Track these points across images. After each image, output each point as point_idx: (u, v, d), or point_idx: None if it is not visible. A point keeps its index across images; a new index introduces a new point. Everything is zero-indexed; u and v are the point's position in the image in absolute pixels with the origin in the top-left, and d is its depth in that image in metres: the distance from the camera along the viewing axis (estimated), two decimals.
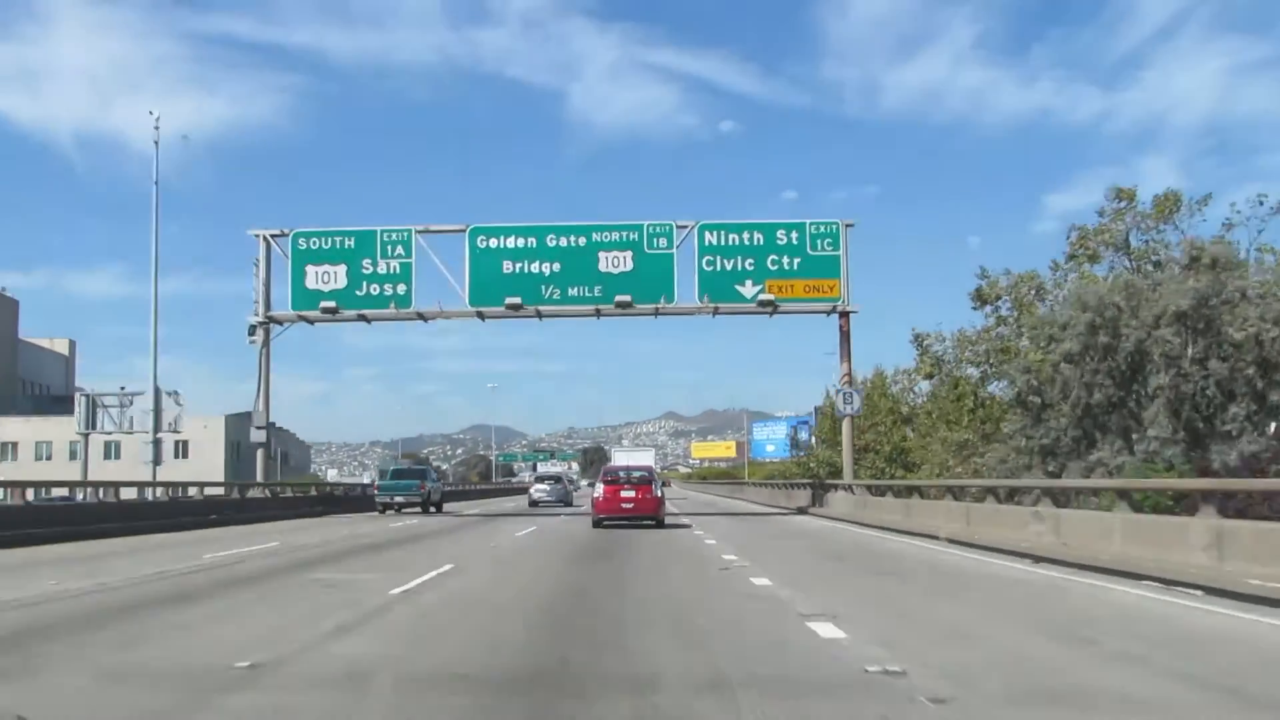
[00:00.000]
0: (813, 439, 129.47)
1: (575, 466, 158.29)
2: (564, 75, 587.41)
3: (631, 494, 23.86)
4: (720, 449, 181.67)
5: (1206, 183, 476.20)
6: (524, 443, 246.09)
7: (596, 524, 23.51)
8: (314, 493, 40.38)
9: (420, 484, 34.69)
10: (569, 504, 42.74)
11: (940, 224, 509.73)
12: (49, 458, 66.84)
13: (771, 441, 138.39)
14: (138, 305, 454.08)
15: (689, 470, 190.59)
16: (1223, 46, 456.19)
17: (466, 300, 30.91)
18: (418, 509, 34.38)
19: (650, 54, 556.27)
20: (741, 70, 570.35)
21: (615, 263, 30.76)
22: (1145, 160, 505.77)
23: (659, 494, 24.42)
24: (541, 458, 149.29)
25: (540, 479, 49.63)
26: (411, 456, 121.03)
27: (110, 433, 33.90)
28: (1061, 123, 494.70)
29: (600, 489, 24.73)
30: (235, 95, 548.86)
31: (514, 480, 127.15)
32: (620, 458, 64.27)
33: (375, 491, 35.95)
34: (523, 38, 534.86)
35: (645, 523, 23.38)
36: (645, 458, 63.87)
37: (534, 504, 42.63)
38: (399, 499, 34.10)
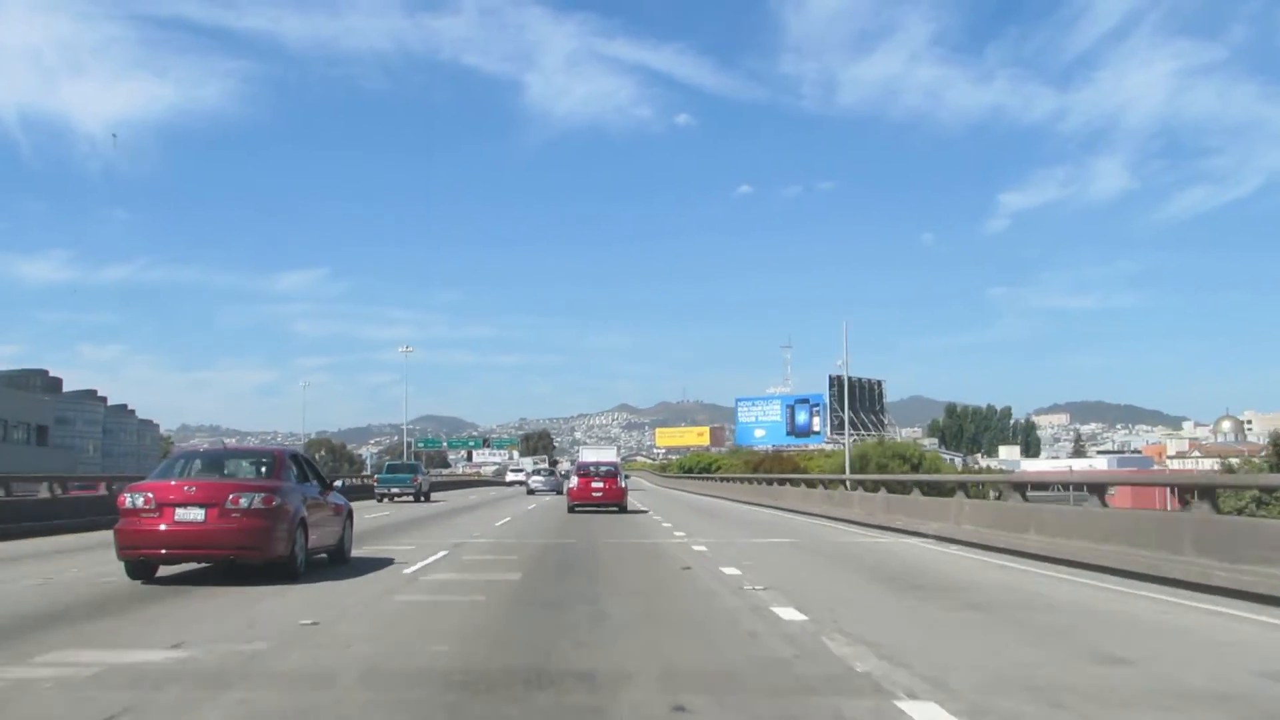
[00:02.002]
0: (821, 422, 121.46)
1: (516, 455, 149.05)
2: (521, 65, 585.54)
3: (600, 485, 27.86)
4: (690, 435, 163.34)
5: (1155, 185, 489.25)
6: (475, 432, 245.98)
7: (571, 509, 27.17)
8: None
9: (414, 477, 39.96)
10: (560, 492, 47.40)
11: (894, 220, 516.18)
12: None
13: (762, 425, 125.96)
14: (82, 291, 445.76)
15: (652, 461, 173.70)
16: (1173, 49, 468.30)
17: None
18: (410, 498, 38.92)
19: (608, 45, 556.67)
20: (698, 64, 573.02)
21: None
22: (1097, 161, 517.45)
23: (623, 485, 28.83)
24: (473, 444, 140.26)
25: (536, 472, 63.28)
26: (324, 446, 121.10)
27: None
28: (1015, 121, 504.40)
29: (574, 480, 28.87)
30: (185, 79, 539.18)
31: (444, 472, 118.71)
32: (588, 455, 70.12)
33: (375, 483, 41.43)
34: (479, 26, 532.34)
35: (610, 508, 27.18)
36: (610, 454, 70.95)
37: (531, 492, 52.07)
38: (394, 490, 38.94)
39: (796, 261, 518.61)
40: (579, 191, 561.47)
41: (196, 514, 9.76)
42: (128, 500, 9.91)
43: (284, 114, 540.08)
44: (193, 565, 10.70)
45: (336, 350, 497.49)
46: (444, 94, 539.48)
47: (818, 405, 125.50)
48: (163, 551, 9.99)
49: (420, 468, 45.85)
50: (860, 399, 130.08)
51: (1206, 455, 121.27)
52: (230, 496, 9.80)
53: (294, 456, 11.34)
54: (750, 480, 44.65)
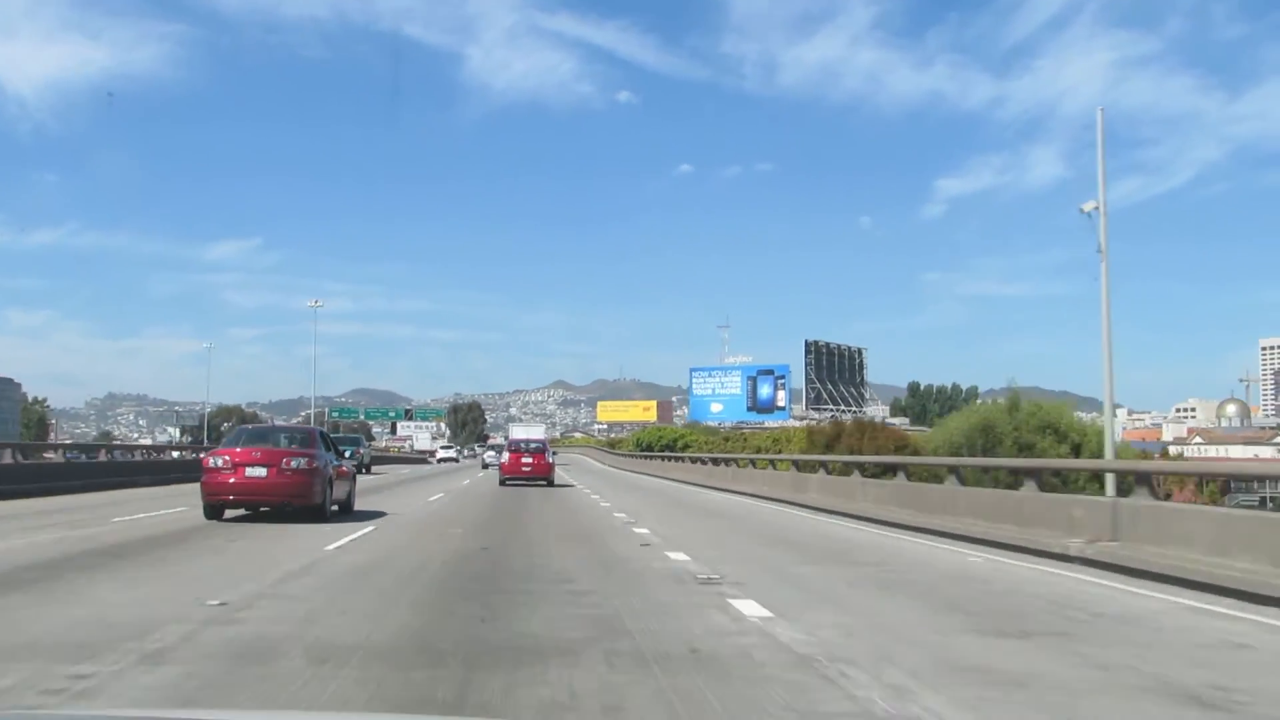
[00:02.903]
0: (786, 396, 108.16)
1: (443, 426, 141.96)
2: (462, 37, 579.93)
3: (530, 460, 30.73)
4: (635, 410, 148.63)
5: (1090, 174, 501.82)
6: (407, 407, 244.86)
7: (502, 483, 29.94)
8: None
9: (356, 449, 42.10)
10: None
11: (832, 203, 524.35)
12: None
13: (720, 398, 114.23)
14: (9, 256, 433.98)
15: (593, 437, 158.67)
16: (1111, 40, 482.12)
17: None
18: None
19: (549, 20, 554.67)
20: (641, 41, 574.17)
21: None
22: (1033, 149, 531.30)
23: (551, 461, 31.58)
24: (395, 415, 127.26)
25: (491, 448, 65.52)
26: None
27: None
28: (954, 107, 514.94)
29: (506, 456, 31.86)
30: (118, 42, 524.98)
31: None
32: (519, 431, 74.29)
33: None
34: None
35: (539, 482, 30.43)
36: (538, 432, 75.69)
37: (485, 466, 52.64)
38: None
39: (735, 242, 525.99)
40: (518, 167, 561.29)
41: (260, 471, 14.17)
42: (211, 461, 14.29)
43: (220, 80, 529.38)
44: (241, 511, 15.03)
45: (269, 321, 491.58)
46: (383, 65, 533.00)
47: (783, 378, 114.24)
48: (231, 498, 14.32)
49: (362, 440, 48.54)
50: (838, 369, 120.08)
51: (1212, 441, 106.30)
52: (284, 460, 14.24)
53: (321, 434, 15.85)
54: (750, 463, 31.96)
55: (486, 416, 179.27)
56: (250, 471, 14.14)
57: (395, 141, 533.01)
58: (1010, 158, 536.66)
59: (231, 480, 14.15)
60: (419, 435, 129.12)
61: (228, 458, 14.27)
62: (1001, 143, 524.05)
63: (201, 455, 17.09)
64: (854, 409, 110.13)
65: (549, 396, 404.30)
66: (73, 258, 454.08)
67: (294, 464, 14.24)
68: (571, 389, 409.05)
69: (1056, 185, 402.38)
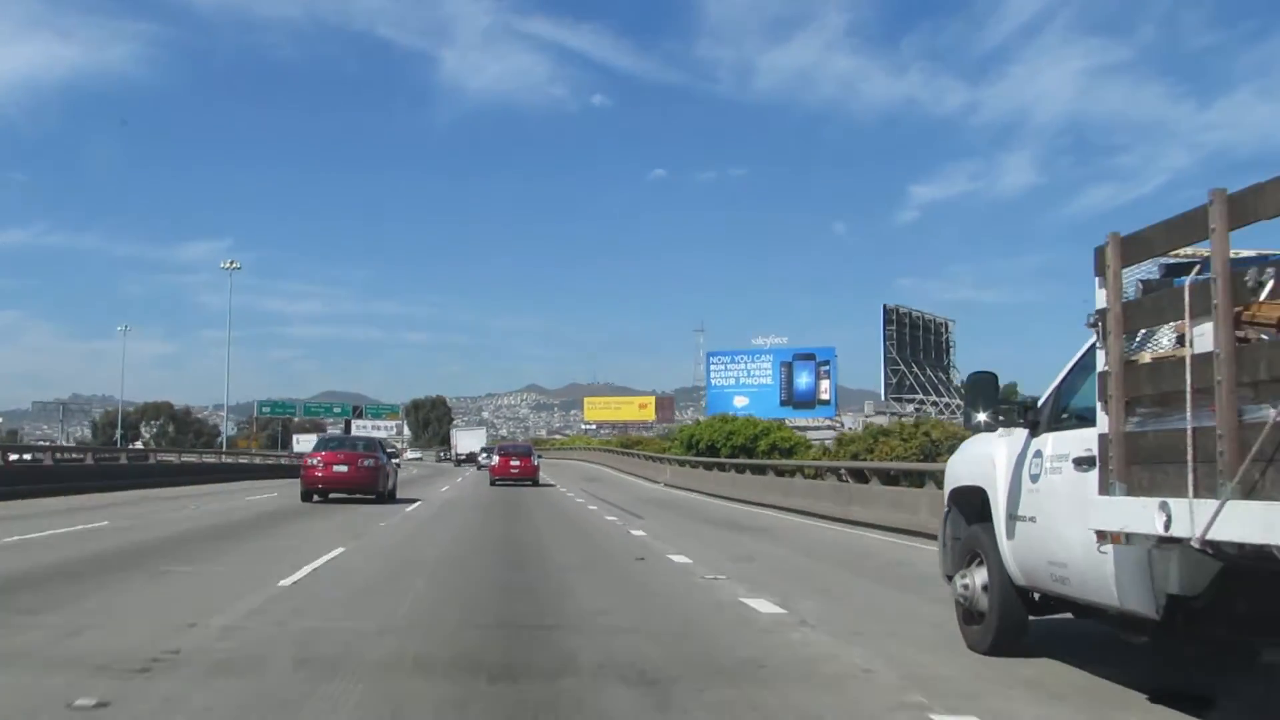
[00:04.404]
0: (830, 387, 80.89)
1: (404, 426, 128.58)
2: (436, 39, 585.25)
3: (517, 463, 36.58)
4: (629, 409, 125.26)
5: (1062, 181, 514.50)
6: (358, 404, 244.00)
7: (493, 483, 35.21)
8: None
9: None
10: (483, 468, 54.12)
11: (807, 208, 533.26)
12: None
13: (744, 390, 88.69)
14: None
15: (585, 436, 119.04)
16: (1083, 48, 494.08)
17: None
18: None
19: (524, 22, 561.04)
20: (616, 45, 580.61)
21: None
22: (1007, 156, 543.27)
23: (536, 463, 37.30)
24: (340, 411, 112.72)
25: (485, 450, 65.28)
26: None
27: None
28: (928, 114, 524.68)
29: (496, 459, 38.30)
30: (90, 40, 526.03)
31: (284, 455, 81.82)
32: (461, 436, 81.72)
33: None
34: None
35: (525, 482, 35.77)
36: (480, 437, 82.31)
37: (477, 467, 58.06)
38: None
39: (709, 246, 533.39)
40: (490, 169, 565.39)
41: (343, 468, 21.57)
42: (309, 461, 21.67)
43: (192, 80, 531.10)
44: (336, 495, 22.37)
45: (239, 323, 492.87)
46: (357, 66, 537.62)
47: (827, 363, 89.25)
48: (320, 486, 21.63)
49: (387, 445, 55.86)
50: (923, 347, 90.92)
51: None
52: (360, 460, 21.63)
53: (380, 442, 23.30)
54: None
55: (454, 417, 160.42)
56: (336, 468, 21.53)
57: (368, 143, 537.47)
58: (983, 164, 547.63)
59: (320, 474, 21.50)
60: (375, 436, 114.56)
61: (320, 459, 21.65)
62: (974, 149, 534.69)
63: (302, 457, 24.62)
64: (943, 398, 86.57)
65: (521, 400, 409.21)
66: (42, 257, 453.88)
67: (366, 463, 21.66)
68: (544, 392, 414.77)
69: (1030, 192, 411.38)
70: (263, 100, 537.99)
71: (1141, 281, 4.92)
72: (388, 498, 22.56)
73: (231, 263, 68.12)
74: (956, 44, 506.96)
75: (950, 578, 6.44)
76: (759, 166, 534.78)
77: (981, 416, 6.04)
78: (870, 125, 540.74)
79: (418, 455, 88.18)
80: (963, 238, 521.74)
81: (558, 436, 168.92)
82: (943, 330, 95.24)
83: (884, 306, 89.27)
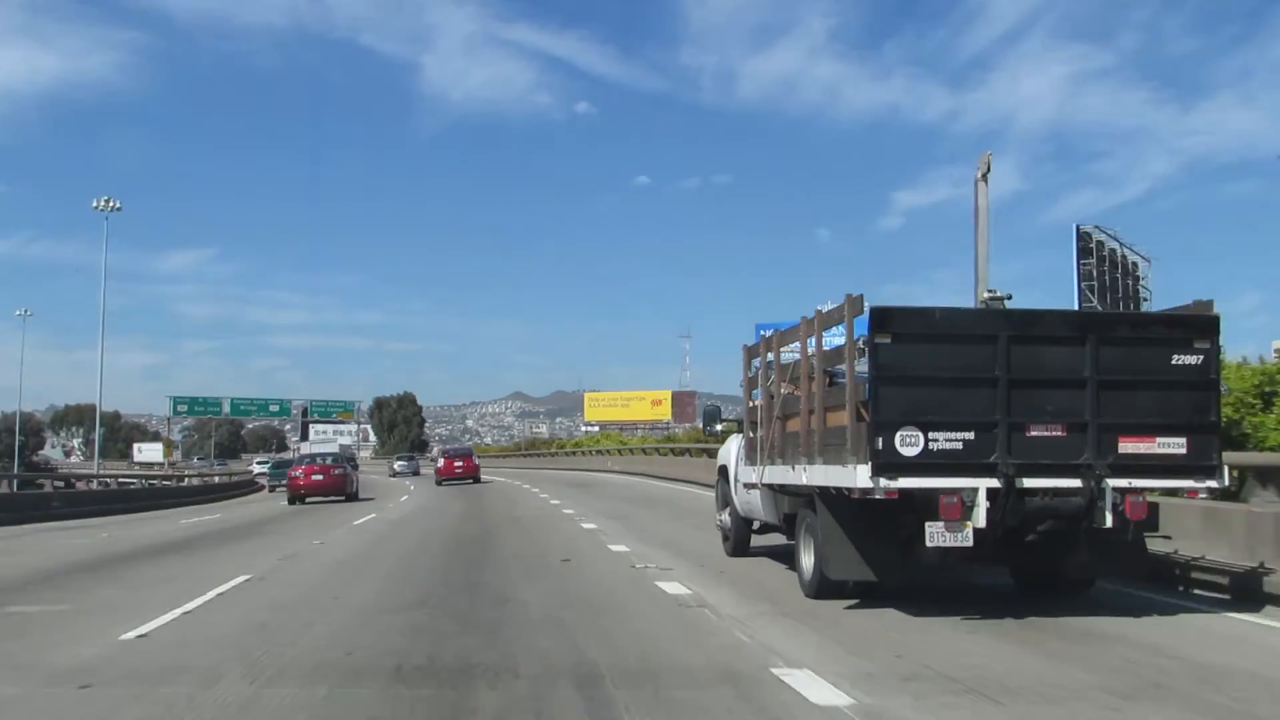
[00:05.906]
0: None
1: (369, 431, 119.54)
2: (418, 46, 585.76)
3: (461, 463, 38.15)
4: (640, 408, 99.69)
5: (1045, 187, 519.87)
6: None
7: (439, 483, 36.53)
8: None
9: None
10: (418, 474, 54.52)
11: (791, 215, 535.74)
12: None
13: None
14: None
15: (591, 434, 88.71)
16: (1066, 54, 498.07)
17: None
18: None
19: (508, 30, 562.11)
20: (600, 52, 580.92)
21: None
22: (991, 161, 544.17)
23: (477, 463, 39.26)
24: (276, 410, 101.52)
25: (399, 458, 65.14)
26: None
27: None
28: (911, 120, 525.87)
29: (441, 461, 39.94)
30: (70, 50, 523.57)
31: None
32: (318, 448, 78.72)
33: (262, 477, 48.19)
34: (377, 5, 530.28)
35: (468, 480, 37.05)
36: (334, 445, 73.11)
37: (394, 474, 55.00)
38: (281, 483, 42.85)
39: (693, 254, 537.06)
40: (474, 177, 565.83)
41: (319, 476, 25.01)
42: (293, 472, 25.14)
43: (173, 88, 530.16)
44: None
45: (223, 333, 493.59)
46: (338, 74, 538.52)
47: None
48: (302, 491, 25.07)
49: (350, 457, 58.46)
50: (1120, 289, 52.58)
51: None
52: (333, 469, 25.11)
53: (349, 457, 26.71)
54: None
55: (442, 428, 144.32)
56: (314, 476, 25.09)
57: (351, 152, 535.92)
58: (967, 170, 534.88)
59: (303, 482, 25.04)
60: (332, 442, 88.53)
61: (302, 470, 25.29)
62: (957, 155, 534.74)
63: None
64: None
65: (506, 408, 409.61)
66: (23, 269, 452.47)
67: (338, 471, 25.43)
68: (529, 400, 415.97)
69: (1013, 198, 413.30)
70: (243, 109, 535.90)
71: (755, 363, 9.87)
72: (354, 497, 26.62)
73: (109, 201, 53.88)
74: (939, 50, 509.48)
75: (718, 516, 11.65)
76: (743, 173, 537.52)
77: (715, 428, 12.64)
78: (854, 132, 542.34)
79: (262, 469, 64.40)
80: (947, 244, 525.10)
81: (566, 437, 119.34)
82: (1133, 269, 76.63)
83: (1076, 228, 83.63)
